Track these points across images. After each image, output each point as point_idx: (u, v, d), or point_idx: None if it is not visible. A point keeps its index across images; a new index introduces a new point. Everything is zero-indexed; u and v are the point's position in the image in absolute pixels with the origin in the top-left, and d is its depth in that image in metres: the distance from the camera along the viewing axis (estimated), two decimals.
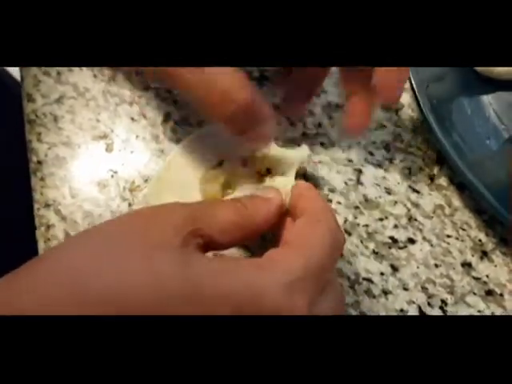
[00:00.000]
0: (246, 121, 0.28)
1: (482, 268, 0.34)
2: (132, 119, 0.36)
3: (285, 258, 0.23)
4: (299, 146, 0.33)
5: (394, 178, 0.36)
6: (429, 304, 0.33)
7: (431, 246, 0.34)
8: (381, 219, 0.35)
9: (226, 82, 0.27)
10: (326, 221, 0.25)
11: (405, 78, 0.31)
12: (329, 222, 0.25)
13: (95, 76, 0.37)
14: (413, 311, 0.32)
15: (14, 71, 0.42)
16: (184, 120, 0.36)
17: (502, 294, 0.33)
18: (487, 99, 0.37)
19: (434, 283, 0.33)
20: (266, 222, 0.26)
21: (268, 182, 0.32)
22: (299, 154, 0.31)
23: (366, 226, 0.34)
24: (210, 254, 0.25)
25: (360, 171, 0.36)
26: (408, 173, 0.36)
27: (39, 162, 0.35)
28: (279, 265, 0.22)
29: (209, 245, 0.24)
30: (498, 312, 0.33)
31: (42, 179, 0.35)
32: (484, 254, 0.34)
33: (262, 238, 0.31)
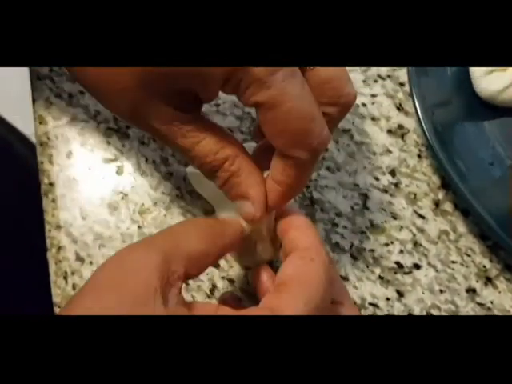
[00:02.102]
0: (224, 189, 0.28)
1: (487, 294, 0.34)
2: (142, 142, 0.37)
3: (284, 306, 0.23)
4: None
5: (400, 203, 0.37)
6: None
7: (436, 271, 0.35)
8: (386, 244, 0.35)
9: (211, 144, 0.27)
10: (320, 259, 0.25)
11: (285, 203, 0.28)
12: (322, 260, 0.25)
13: None
14: None
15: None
16: None
17: None
18: (491, 126, 0.37)
19: (439, 309, 0.34)
20: (232, 242, 0.26)
21: None
22: None
23: (372, 250, 0.35)
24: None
25: (366, 196, 0.37)
26: (413, 198, 0.37)
27: (51, 184, 0.36)
28: (278, 311, 0.22)
29: (184, 279, 0.24)
30: None
31: (54, 201, 0.35)
32: (488, 280, 0.35)
33: None
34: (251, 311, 0.23)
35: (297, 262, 0.25)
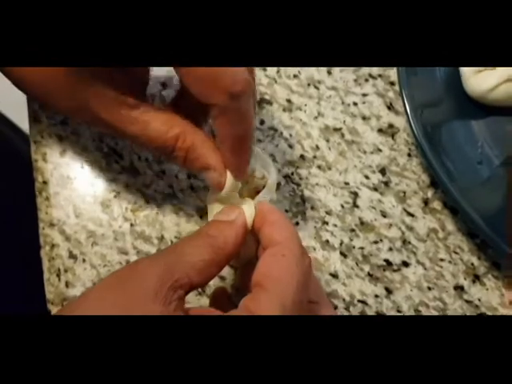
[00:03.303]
0: (188, 169, 0.29)
1: (474, 291, 0.35)
2: None
3: (261, 307, 0.23)
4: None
5: (389, 202, 0.37)
6: None
7: (425, 269, 0.35)
8: (376, 242, 0.36)
9: (159, 126, 0.28)
10: (291, 253, 0.25)
11: (245, 157, 0.29)
12: (293, 254, 0.25)
13: None
14: None
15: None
16: None
17: None
18: (479, 126, 0.38)
19: (427, 306, 0.34)
20: (236, 248, 0.26)
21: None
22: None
23: (362, 248, 0.35)
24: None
25: (356, 194, 0.37)
26: (403, 196, 0.37)
27: (44, 182, 0.36)
28: (255, 311, 0.23)
29: (189, 289, 0.24)
30: None
31: (47, 199, 0.36)
32: (476, 278, 0.35)
33: None
34: (232, 313, 0.24)
35: (269, 259, 0.25)
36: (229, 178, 0.29)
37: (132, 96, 0.28)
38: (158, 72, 0.38)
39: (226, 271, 0.34)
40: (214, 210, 0.30)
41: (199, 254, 0.25)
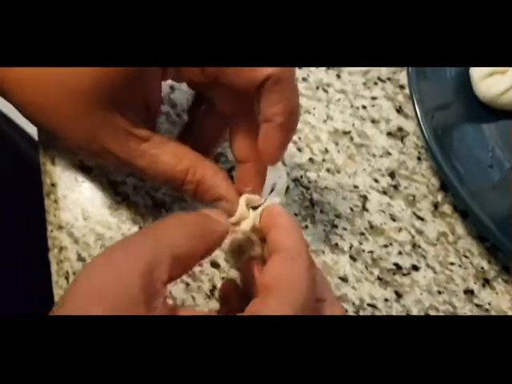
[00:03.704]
0: (196, 199, 0.29)
1: (484, 295, 0.35)
2: None
3: (271, 310, 0.23)
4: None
5: (399, 205, 0.37)
6: None
7: (434, 273, 0.35)
8: (385, 246, 0.35)
9: (168, 159, 0.28)
10: (300, 258, 0.25)
11: (290, 136, 0.29)
12: (303, 258, 0.25)
13: None
14: None
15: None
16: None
17: None
18: (490, 129, 0.38)
19: (437, 310, 0.34)
20: (220, 238, 0.26)
21: None
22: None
23: (371, 252, 0.35)
24: None
25: (365, 197, 0.37)
26: (412, 200, 0.37)
27: (53, 185, 0.36)
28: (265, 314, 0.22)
29: (172, 277, 0.23)
30: None
31: (56, 201, 0.36)
32: (486, 282, 0.35)
33: None
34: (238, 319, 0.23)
35: (278, 264, 0.25)
36: (241, 205, 0.29)
37: (142, 127, 0.28)
38: None
39: (236, 274, 0.34)
40: None
41: (181, 243, 0.24)
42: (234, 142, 0.30)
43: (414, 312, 0.34)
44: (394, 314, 0.34)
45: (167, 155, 0.28)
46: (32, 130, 0.40)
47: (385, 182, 0.37)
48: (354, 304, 0.34)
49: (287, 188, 0.36)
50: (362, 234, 0.36)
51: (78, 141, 0.28)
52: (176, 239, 0.24)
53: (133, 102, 0.28)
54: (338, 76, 0.40)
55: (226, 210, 0.28)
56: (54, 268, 0.34)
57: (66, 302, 0.23)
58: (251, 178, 0.30)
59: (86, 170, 0.36)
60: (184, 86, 0.38)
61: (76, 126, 0.27)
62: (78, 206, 0.35)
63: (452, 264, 0.35)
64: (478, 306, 0.34)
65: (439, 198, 0.37)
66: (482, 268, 0.35)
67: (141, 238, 0.25)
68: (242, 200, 0.29)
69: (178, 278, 0.25)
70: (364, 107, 0.39)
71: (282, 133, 0.28)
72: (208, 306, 0.34)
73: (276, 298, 0.23)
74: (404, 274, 0.35)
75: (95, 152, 0.29)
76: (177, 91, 0.38)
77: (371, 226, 0.36)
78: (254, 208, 0.29)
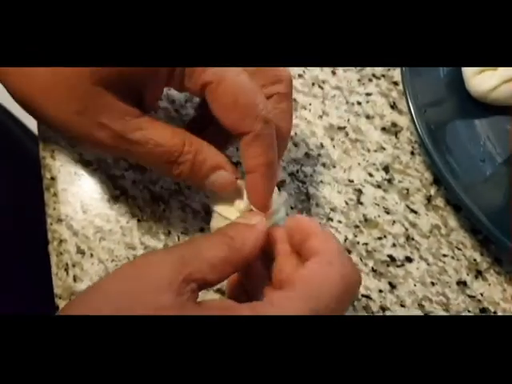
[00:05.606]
0: (195, 176, 0.29)
1: (477, 286, 0.35)
2: None
3: (286, 305, 0.22)
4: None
5: (393, 199, 0.37)
6: None
7: (428, 264, 0.36)
8: (380, 238, 0.36)
9: (164, 132, 0.28)
10: (340, 264, 0.24)
11: (271, 189, 0.29)
12: (343, 265, 0.24)
13: None
14: None
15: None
16: None
17: (495, 312, 0.35)
18: (482, 124, 0.39)
19: (431, 301, 0.35)
20: (253, 251, 0.26)
21: None
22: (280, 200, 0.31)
23: (366, 244, 0.36)
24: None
25: (360, 191, 0.37)
26: (406, 193, 0.38)
27: (52, 179, 0.36)
28: (278, 312, 0.22)
29: (202, 285, 0.24)
30: None
31: (55, 195, 0.36)
32: (479, 273, 0.36)
33: None
34: (252, 305, 0.23)
35: (314, 265, 0.24)
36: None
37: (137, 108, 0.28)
38: None
39: None
40: (220, 222, 0.30)
41: (215, 251, 0.25)
42: (244, 151, 0.29)
43: (408, 303, 0.34)
44: (388, 304, 0.34)
45: (162, 129, 0.28)
46: (32, 124, 0.40)
47: (379, 176, 0.38)
48: None
49: (283, 182, 0.37)
50: (357, 226, 0.36)
51: (68, 116, 0.27)
52: (210, 248, 0.25)
53: (129, 90, 0.28)
54: (334, 73, 0.41)
55: (225, 180, 0.29)
56: (53, 260, 0.35)
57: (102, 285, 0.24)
58: (261, 185, 0.29)
59: (85, 163, 0.37)
60: None
61: (67, 98, 0.27)
62: (78, 199, 0.36)
63: (445, 256, 0.36)
64: (470, 296, 0.35)
65: (432, 191, 0.38)
66: (475, 260, 0.36)
67: (179, 244, 0.27)
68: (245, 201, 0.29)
69: (217, 284, 0.25)
70: (359, 103, 0.40)
71: (264, 182, 0.28)
72: None
73: (297, 295, 0.23)
74: (398, 266, 0.36)
75: (86, 129, 0.28)
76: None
77: (366, 219, 0.37)
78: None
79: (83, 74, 0.26)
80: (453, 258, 0.36)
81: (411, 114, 0.37)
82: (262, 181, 0.28)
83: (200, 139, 0.29)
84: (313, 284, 0.23)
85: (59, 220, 0.35)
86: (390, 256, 0.36)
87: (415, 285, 0.35)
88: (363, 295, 0.34)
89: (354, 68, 0.41)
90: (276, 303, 0.23)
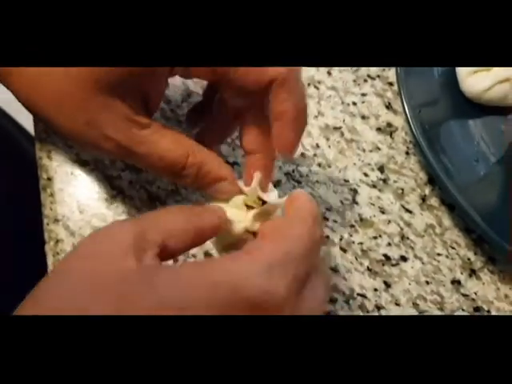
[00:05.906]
0: (198, 186, 0.29)
1: (471, 285, 0.36)
2: None
3: (262, 249, 0.23)
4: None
5: (388, 198, 0.38)
6: None
7: (422, 263, 0.36)
8: (375, 237, 0.36)
9: (168, 144, 0.28)
10: (309, 221, 0.25)
11: (301, 131, 0.29)
12: (311, 225, 0.25)
13: None
14: None
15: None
16: None
17: (489, 311, 0.35)
18: (476, 125, 0.39)
19: (425, 299, 0.35)
20: (212, 228, 0.26)
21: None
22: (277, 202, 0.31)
23: (361, 243, 0.36)
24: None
25: (355, 191, 0.38)
26: (401, 193, 0.38)
27: (49, 179, 0.36)
28: (256, 254, 0.23)
29: (164, 252, 0.24)
30: None
31: (52, 195, 0.36)
32: (472, 272, 0.36)
33: None
34: (229, 255, 0.24)
35: (283, 218, 0.26)
36: (254, 180, 0.29)
37: (144, 115, 0.29)
38: None
39: None
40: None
41: (173, 220, 0.25)
42: (244, 133, 0.31)
43: (403, 301, 0.35)
44: (383, 303, 0.35)
45: (167, 141, 0.28)
46: (28, 124, 0.40)
47: (374, 175, 0.38)
48: (344, 294, 0.35)
49: (279, 182, 0.37)
50: (352, 226, 0.37)
51: (78, 127, 0.28)
52: (167, 217, 0.25)
53: (134, 92, 0.28)
54: (329, 73, 0.41)
55: (227, 191, 0.29)
56: (50, 260, 0.35)
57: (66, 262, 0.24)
58: (260, 166, 0.30)
59: (81, 164, 0.37)
60: (178, 82, 0.39)
61: (76, 111, 0.28)
62: (74, 199, 0.36)
63: (439, 255, 0.36)
64: (464, 295, 0.35)
65: (427, 191, 0.38)
66: (469, 259, 0.37)
67: (135, 218, 0.26)
68: (256, 176, 0.30)
69: (177, 254, 0.25)
70: (354, 103, 0.40)
71: (293, 129, 0.29)
72: None
73: (270, 243, 0.23)
74: (393, 265, 0.36)
75: (93, 140, 0.29)
76: (171, 87, 0.39)
77: (361, 219, 0.37)
78: (249, 207, 0.30)
79: (88, 84, 0.27)
80: (447, 257, 0.36)
81: (406, 115, 0.37)
82: (290, 127, 0.28)
83: (204, 149, 0.29)
84: (282, 231, 0.24)
85: (56, 220, 0.36)
86: (385, 255, 0.36)
87: (410, 284, 0.35)
88: (358, 294, 0.35)
89: (349, 68, 0.41)
90: (250, 250, 0.23)
